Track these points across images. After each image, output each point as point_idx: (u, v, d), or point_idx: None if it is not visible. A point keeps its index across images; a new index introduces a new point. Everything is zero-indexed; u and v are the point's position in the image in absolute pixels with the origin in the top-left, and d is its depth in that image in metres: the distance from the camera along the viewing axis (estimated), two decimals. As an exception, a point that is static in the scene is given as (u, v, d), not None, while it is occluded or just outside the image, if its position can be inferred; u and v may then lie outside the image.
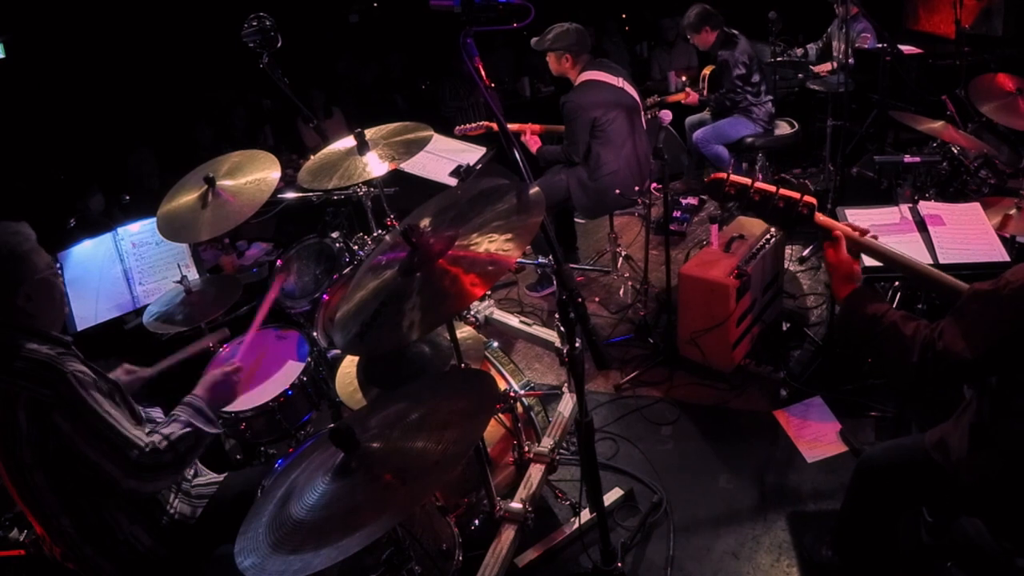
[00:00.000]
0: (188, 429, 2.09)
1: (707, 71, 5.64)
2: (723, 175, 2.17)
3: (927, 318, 1.94)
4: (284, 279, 2.91)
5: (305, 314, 3.30)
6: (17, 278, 2.01)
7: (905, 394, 3.14)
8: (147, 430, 2.07)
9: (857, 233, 2.10)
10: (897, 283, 3.51)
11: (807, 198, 2.08)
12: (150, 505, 2.16)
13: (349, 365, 2.82)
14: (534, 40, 4.37)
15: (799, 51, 6.30)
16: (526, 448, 2.81)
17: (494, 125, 3.28)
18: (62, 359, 1.99)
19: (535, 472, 2.77)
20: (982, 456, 2.00)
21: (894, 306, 3.41)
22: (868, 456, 2.38)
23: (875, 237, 2.14)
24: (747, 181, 2.15)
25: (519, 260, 2.65)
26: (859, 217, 3.07)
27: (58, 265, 2.19)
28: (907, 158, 3.71)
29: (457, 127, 4.75)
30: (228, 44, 3.25)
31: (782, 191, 2.10)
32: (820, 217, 2.10)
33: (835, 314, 3.87)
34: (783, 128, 5.51)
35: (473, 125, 4.74)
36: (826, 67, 5.94)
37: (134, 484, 1.98)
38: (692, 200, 5.65)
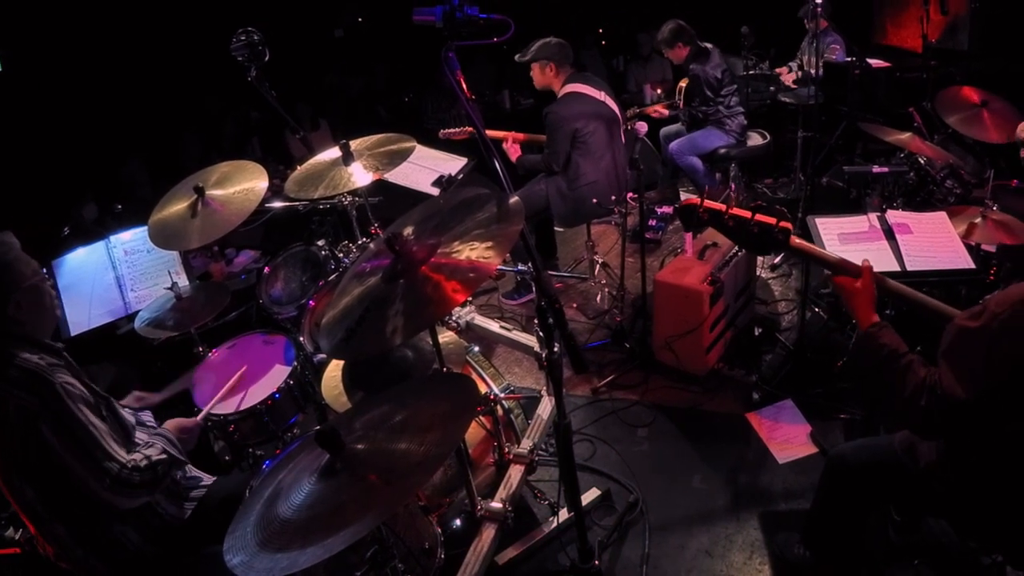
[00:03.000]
0: (165, 455, 2.19)
1: (683, 83, 5.71)
2: (696, 200, 2.09)
3: (894, 324, 1.96)
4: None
5: (292, 320, 3.32)
6: (6, 288, 2.03)
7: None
8: (131, 449, 2.14)
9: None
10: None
11: (783, 223, 2.02)
12: (141, 507, 2.19)
13: (334, 369, 2.84)
14: (518, 55, 4.43)
15: (784, 69, 6.41)
16: (506, 449, 2.84)
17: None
18: (52, 370, 2.02)
19: (515, 473, 2.80)
20: (951, 465, 2.04)
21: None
22: (839, 454, 2.39)
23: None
24: (721, 207, 2.06)
25: (499, 267, 2.69)
26: (829, 226, 3.13)
27: (44, 271, 2.21)
28: (875, 168, 3.78)
29: (442, 131, 4.80)
30: (218, 58, 3.30)
31: (758, 217, 2.03)
32: (796, 241, 2.05)
33: (850, 341, 3.74)
34: (755, 139, 5.60)
35: (458, 129, 4.78)
36: (791, 76, 6.05)
37: (111, 498, 2.04)
38: (667, 209, 5.72)
